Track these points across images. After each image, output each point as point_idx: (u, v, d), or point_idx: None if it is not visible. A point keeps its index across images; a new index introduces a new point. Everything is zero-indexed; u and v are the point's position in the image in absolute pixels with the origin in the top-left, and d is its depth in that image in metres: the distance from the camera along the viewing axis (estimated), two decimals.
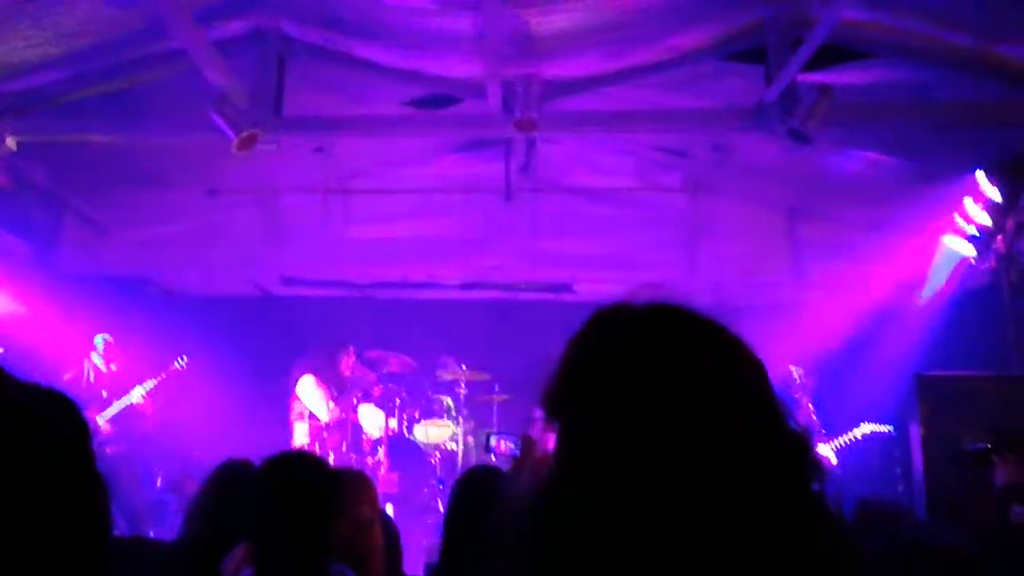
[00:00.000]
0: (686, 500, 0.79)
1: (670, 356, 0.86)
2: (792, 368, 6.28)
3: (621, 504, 0.80)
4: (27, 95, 5.62)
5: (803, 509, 0.82)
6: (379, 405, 6.85)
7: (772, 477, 0.81)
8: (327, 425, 6.17)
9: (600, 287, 8.04)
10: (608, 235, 8.09)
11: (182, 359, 6.60)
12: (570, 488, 0.84)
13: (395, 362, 6.99)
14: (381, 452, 6.47)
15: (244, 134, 5.34)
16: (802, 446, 0.86)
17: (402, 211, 7.98)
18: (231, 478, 3.12)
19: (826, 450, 6.18)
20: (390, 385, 6.96)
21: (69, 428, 1.40)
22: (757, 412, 0.85)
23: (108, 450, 6.25)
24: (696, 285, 8.14)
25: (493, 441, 2.37)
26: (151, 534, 5.72)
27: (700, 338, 0.89)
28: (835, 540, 0.83)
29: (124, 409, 6.32)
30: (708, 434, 0.81)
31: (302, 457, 2.39)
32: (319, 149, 7.64)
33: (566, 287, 7.92)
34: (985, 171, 5.06)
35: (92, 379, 6.41)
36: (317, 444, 6.17)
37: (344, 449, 6.26)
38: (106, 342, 6.46)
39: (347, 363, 6.40)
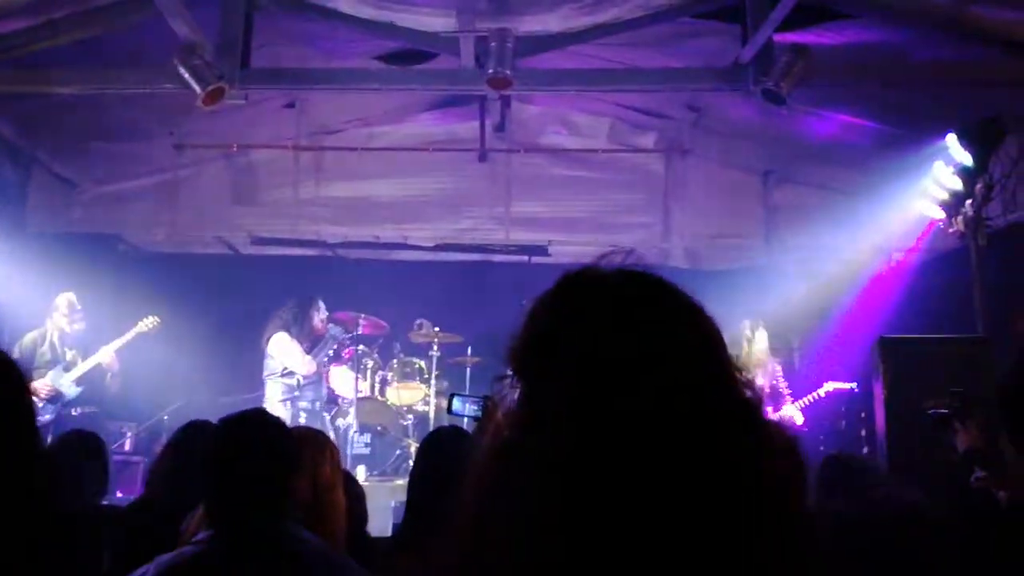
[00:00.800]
0: (639, 458, 0.81)
1: (630, 318, 0.88)
2: (752, 327, 6.29)
3: (576, 460, 0.82)
4: None
5: (748, 471, 0.83)
6: (350, 367, 6.82)
7: (719, 437, 0.83)
8: (300, 384, 6.13)
9: (574, 249, 8.00)
10: (583, 197, 8.04)
11: (151, 319, 6.47)
12: (527, 444, 0.85)
13: (366, 324, 6.93)
14: (352, 413, 6.45)
15: (210, 87, 5.21)
16: (751, 411, 0.88)
17: (375, 170, 7.88)
18: (192, 440, 3.09)
19: (792, 409, 6.24)
20: (361, 347, 6.91)
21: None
22: (708, 374, 0.87)
23: (74, 412, 6.18)
24: (670, 247, 8.15)
25: (456, 404, 2.34)
26: (118, 495, 5.67)
27: (659, 302, 0.91)
28: (783, 497, 0.84)
29: (91, 370, 6.22)
30: (660, 395, 0.83)
31: (259, 416, 2.33)
32: (290, 105, 7.51)
33: (541, 249, 7.88)
34: (957, 135, 5.05)
35: (56, 339, 6.29)
36: (289, 403, 6.13)
37: (317, 408, 6.23)
38: (69, 301, 6.30)
39: (319, 318, 6.34)
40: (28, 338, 6.28)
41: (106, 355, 6.23)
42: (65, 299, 6.29)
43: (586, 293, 0.91)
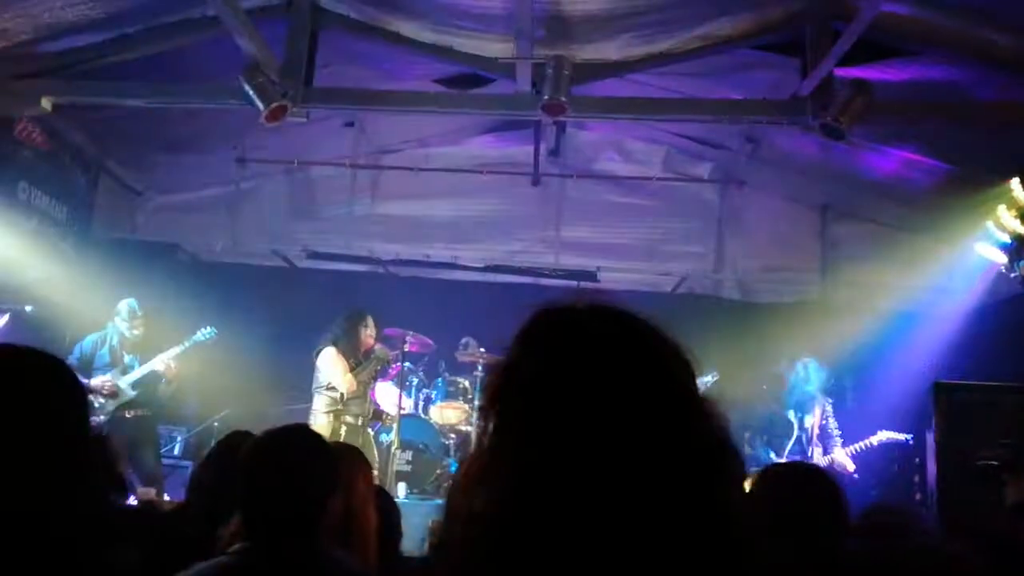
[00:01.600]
0: (599, 495, 0.82)
1: (592, 352, 0.90)
2: (806, 364, 6.15)
3: (529, 497, 0.84)
4: (63, 56, 5.69)
5: (707, 505, 0.85)
6: (396, 384, 6.87)
7: (681, 474, 0.84)
8: (344, 399, 6.19)
9: (623, 276, 7.98)
10: (635, 224, 8.03)
11: (208, 330, 6.59)
12: (487, 475, 0.88)
13: (414, 341, 6.98)
14: (395, 430, 6.49)
15: (274, 105, 5.35)
16: (717, 446, 0.89)
17: (429, 190, 7.99)
18: (234, 449, 3.14)
19: (842, 454, 6.07)
20: (407, 364, 6.96)
21: (42, 387, 1.41)
22: (674, 410, 0.88)
23: (128, 414, 6.34)
24: (723, 278, 8.06)
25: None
26: (167, 498, 5.80)
27: (621, 336, 0.93)
28: (733, 531, 0.85)
29: (147, 375, 6.38)
30: (624, 431, 0.84)
31: (298, 432, 2.35)
32: (350, 123, 7.68)
33: (589, 275, 7.86)
34: (1021, 179, 4.91)
35: (116, 343, 6.47)
36: (333, 416, 6.19)
37: (360, 423, 6.28)
38: (130, 308, 6.49)
39: (367, 334, 6.40)
40: (89, 340, 6.46)
41: (162, 363, 6.38)
42: (127, 304, 6.46)
43: (553, 328, 0.94)
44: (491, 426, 0.91)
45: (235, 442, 3.28)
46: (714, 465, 0.87)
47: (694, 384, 0.93)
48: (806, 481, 2.43)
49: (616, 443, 0.84)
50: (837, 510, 2.35)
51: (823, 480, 2.43)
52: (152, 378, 6.40)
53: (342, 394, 6.16)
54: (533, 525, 0.83)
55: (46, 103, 5.81)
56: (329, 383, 6.19)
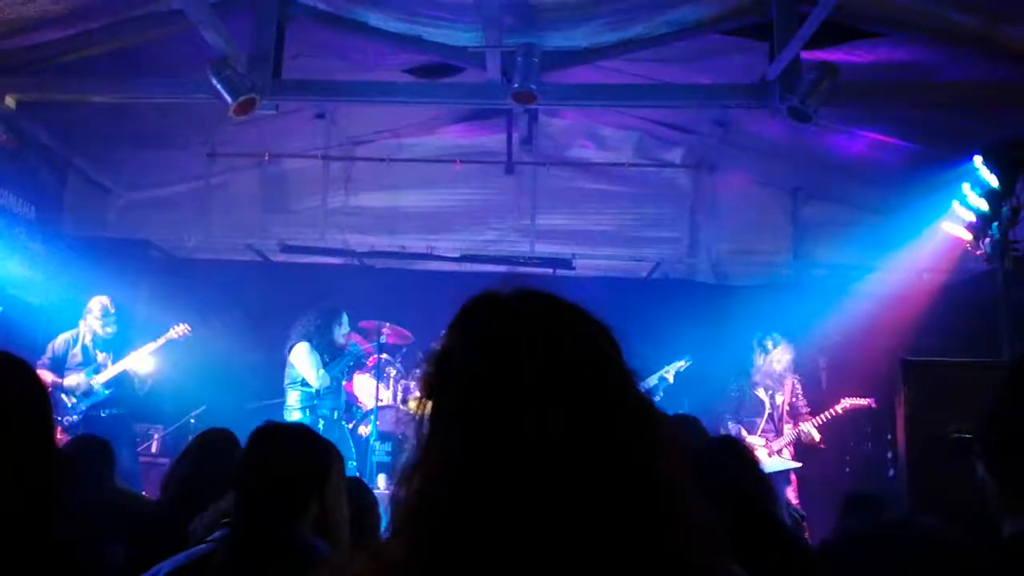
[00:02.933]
0: (528, 474, 0.85)
1: (517, 335, 0.92)
2: (774, 343, 6.26)
3: (458, 479, 0.87)
4: (26, 53, 5.61)
5: (638, 482, 0.87)
6: (373, 375, 6.87)
7: (611, 444, 0.87)
8: (319, 393, 6.18)
9: (599, 263, 8.02)
10: (609, 210, 8.06)
11: (182, 327, 6.55)
12: (421, 459, 0.92)
13: (390, 333, 6.98)
14: (373, 422, 6.49)
15: (242, 98, 5.31)
16: (645, 417, 0.93)
17: (403, 181, 7.97)
18: (209, 447, 3.15)
19: (808, 427, 6.19)
20: (384, 356, 6.96)
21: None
22: (600, 384, 0.91)
23: (102, 412, 6.29)
24: (696, 262, 8.12)
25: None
26: (144, 495, 5.77)
27: (545, 317, 0.96)
28: (676, 495, 0.88)
29: (120, 373, 6.33)
30: (543, 406, 0.87)
31: (294, 426, 2.41)
32: (320, 115, 7.63)
33: (565, 262, 7.89)
34: (983, 156, 4.99)
35: (88, 341, 6.42)
36: (308, 411, 6.17)
37: (335, 417, 6.27)
38: (102, 304, 6.42)
39: (340, 331, 6.39)
40: (61, 339, 6.40)
41: (136, 361, 6.33)
42: (99, 302, 6.40)
43: (480, 315, 0.97)
44: (426, 415, 0.94)
45: (209, 439, 3.29)
46: (643, 434, 0.90)
47: (620, 358, 0.96)
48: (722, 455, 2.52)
49: (545, 421, 0.86)
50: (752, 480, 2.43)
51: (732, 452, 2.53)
52: (126, 376, 6.35)
53: (317, 389, 6.16)
54: (465, 507, 0.85)
55: (10, 101, 5.73)
56: (303, 379, 6.18)
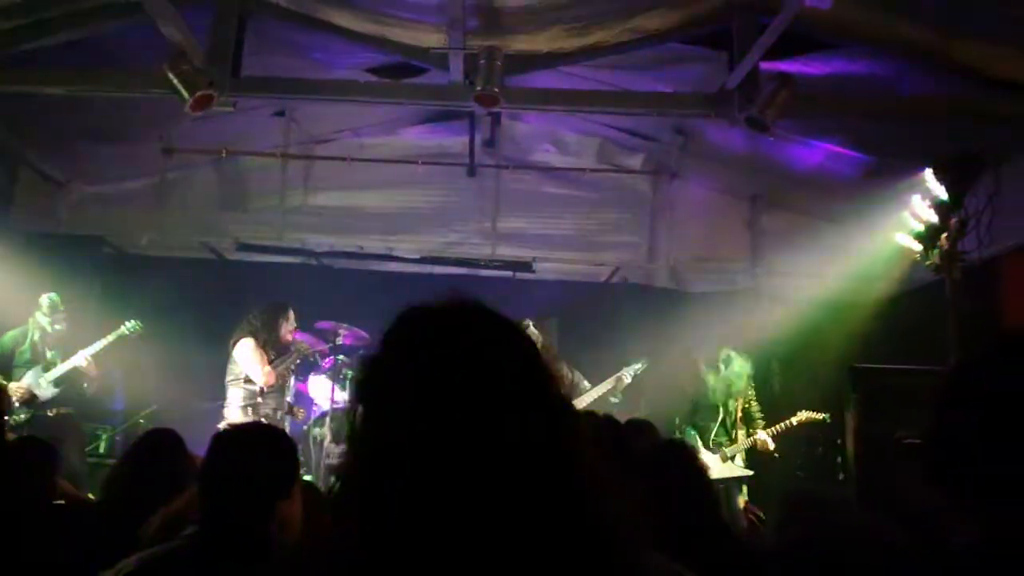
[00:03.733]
0: (446, 465, 0.89)
1: (444, 343, 0.98)
2: (728, 357, 6.37)
3: (385, 483, 0.91)
4: None
5: (554, 461, 0.91)
6: (329, 377, 6.80)
7: (528, 434, 0.91)
8: (262, 391, 6.09)
9: (559, 266, 8.05)
10: (570, 215, 8.10)
11: (132, 324, 6.43)
12: (352, 466, 0.98)
13: (348, 334, 6.92)
14: (326, 424, 6.43)
15: (199, 94, 5.23)
16: (555, 424, 0.96)
17: (363, 181, 7.90)
18: (153, 447, 3.11)
19: (763, 436, 6.30)
20: (341, 357, 6.89)
21: None
22: (513, 387, 0.95)
23: (50, 412, 6.13)
24: (655, 268, 8.19)
25: None
26: (91, 496, 5.64)
27: (471, 327, 1.01)
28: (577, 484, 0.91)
29: (69, 371, 6.19)
30: (467, 410, 0.92)
31: (264, 430, 2.43)
32: (279, 113, 7.54)
33: (526, 266, 7.90)
34: (934, 169, 5.11)
35: (37, 339, 6.26)
36: (250, 409, 6.07)
37: (278, 416, 6.18)
38: (51, 301, 6.28)
39: (287, 328, 6.31)
40: (8, 336, 6.26)
41: (84, 358, 6.20)
42: (48, 299, 6.27)
43: (410, 325, 1.03)
44: (356, 418, 0.98)
45: (152, 440, 3.24)
46: (558, 423, 0.95)
47: (535, 354, 1.01)
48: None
49: (466, 419, 0.91)
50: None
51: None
52: (75, 375, 6.22)
53: (261, 388, 6.06)
54: (385, 504, 0.89)
55: None
56: (246, 375, 6.09)
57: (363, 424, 0.97)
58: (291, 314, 6.33)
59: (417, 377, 0.94)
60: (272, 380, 6.08)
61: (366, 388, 1.00)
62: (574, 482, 0.91)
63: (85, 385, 6.26)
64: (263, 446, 2.26)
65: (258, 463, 2.19)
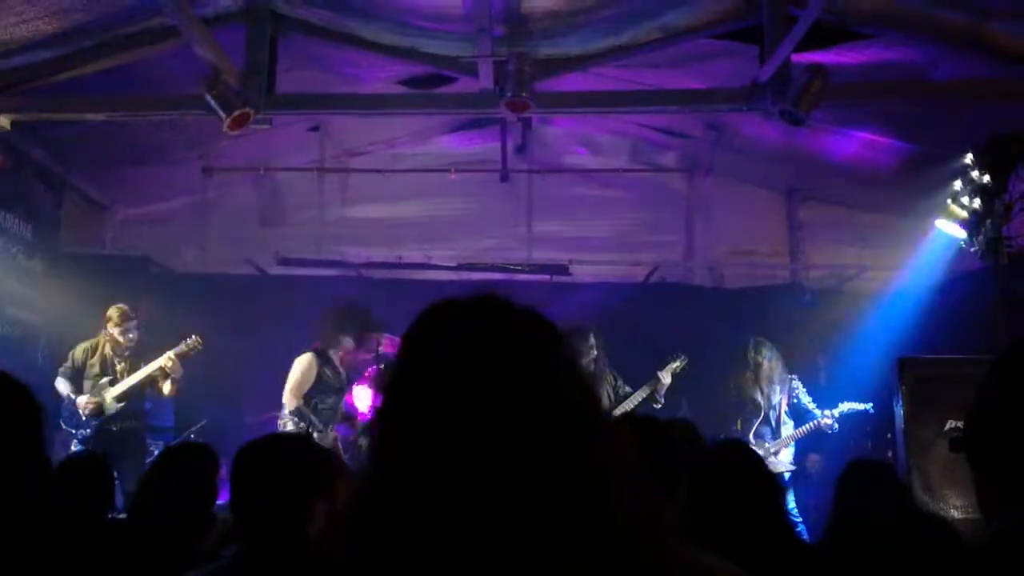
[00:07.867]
0: (466, 462, 0.88)
1: (470, 339, 0.96)
2: (758, 346, 6.31)
3: (414, 478, 0.90)
4: (20, 72, 5.61)
5: (586, 474, 0.90)
6: (370, 386, 6.86)
7: (546, 427, 0.90)
8: (306, 399, 6.17)
9: (595, 268, 8.04)
10: (605, 216, 8.09)
11: (193, 339, 6.46)
12: (375, 463, 0.97)
13: (388, 343, 6.98)
14: (365, 430, 6.49)
15: (236, 113, 5.33)
16: (582, 407, 0.95)
17: (398, 191, 7.99)
18: (179, 465, 3.13)
19: (808, 428, 6.22)
20: (382, 366, 6.96)
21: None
22: (534, 382, 0.94)
23: (114, 427, 6.15)
24: (693, 266, 8.14)
25: None
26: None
27: (498, 322, 1.00)
28: (610, 500, 0.90)
29: (132, 386, 6.22)
30: (501, 416, 0.90)
31: (293, 437, 2.44)
32: (315, 128, 7.66)
33: (562, 269, 7.90)
34: (975, 154, 5.01)
35: (108, 351, 6.25)
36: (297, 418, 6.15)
37: (330, 429, 6.25)
38: (121, 311, 6.22)
39: (345, 349, 6.43)
40: (80, 349, 6.27)
41: (169, 357, 6.17)
42: (116, 309, 6.23)
43: (436, 321, 1.02)
44: (380, 419, 0.98)
45: (182, 455, 3.29)
46: (579, 417, 0.93)
47: (558, 348, 0.99)
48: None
49: (462, 421, 0.90)
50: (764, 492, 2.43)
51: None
52: (137, 389, 6.27)
53: (306, 396, 6.17)
54: (402, 499, 0.89)
55: (4, 120, 5.73)
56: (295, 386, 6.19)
57: (379, 419, 0.98)
58: (349, 339, 6.43)
59: (430, 368, 0.94)
60: (292, 406, 6.13)
61: (385, 385, 1.01)
62: (595, 480, 0.90)
63: (168, 385, 6.28)
64: (267, 457, 2.28)
65: (264, 474, 2.22)
